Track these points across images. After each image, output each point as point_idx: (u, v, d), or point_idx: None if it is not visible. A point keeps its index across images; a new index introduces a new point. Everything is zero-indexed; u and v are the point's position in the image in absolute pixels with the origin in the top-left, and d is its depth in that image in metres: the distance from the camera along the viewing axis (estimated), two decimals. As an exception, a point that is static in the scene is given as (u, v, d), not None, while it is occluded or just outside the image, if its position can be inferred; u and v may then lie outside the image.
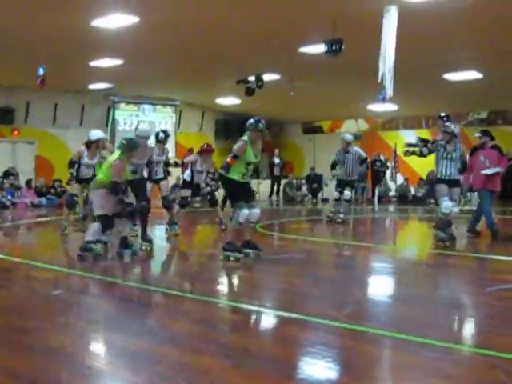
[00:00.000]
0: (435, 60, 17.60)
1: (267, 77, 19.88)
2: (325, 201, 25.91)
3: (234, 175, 9.16)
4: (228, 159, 9.17)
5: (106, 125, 25.45)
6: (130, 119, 26.66)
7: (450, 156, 10.92)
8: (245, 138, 9.21)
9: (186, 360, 4.70)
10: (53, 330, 5.57)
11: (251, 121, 9.32)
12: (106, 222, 9.55)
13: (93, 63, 18.50)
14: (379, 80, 12.12)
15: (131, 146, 9.80)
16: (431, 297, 7.31)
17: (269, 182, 28.14)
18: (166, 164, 13.13)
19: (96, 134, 12.34)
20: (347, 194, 15.31)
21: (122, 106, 26.49)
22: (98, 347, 5.16)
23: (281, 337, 5.57)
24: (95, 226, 9.58)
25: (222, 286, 8.27)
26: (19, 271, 9.07)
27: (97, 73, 20.09)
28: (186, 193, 13.36)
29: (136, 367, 4.57)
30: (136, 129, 13.61)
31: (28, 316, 5.94)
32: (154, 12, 13.49)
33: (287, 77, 20.21)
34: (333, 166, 15.83)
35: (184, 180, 13.59)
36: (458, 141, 11.24)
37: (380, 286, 8.29)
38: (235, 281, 8.68)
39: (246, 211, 9.06)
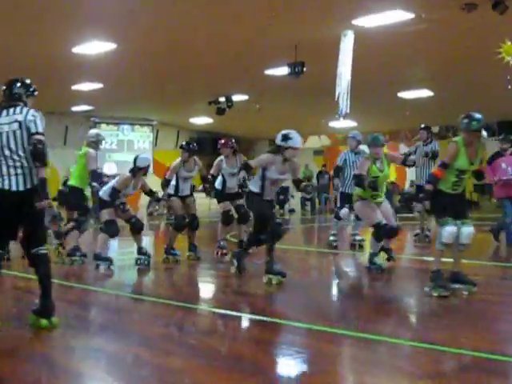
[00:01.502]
0: (390, 80, 17.71)
1: (236, 97, 19.98)
2: (291, 211, 25.92)
3: (442, 185, 6.83)
4: (436, 170, 6.92)
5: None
6: (111, 138, 26.71)
7: None
8: (457, 139, 6.82)
9: (160, 361, 4.65)
10: (33, 335, 5.48)
11: (462, 118, 6.82)
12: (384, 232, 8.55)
13: (74, 87, 18.49)
14: (336, 99, 12.20)
15: (374, 140, 8.66)
16: (381, 297, 7.36)
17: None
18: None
19: (146, 159, 9.54)
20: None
21: (103, 126, 26.55)
22: (75, 351, 5.08)
23: (247, 337, 5.56)
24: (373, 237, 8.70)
25: (193, 292, 8.20)
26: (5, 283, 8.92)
27: (78, 96, 20.05)
28: (227, 206, 10.46)
29: (112, 369, 4.52)
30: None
31: (8, 322, 5.85)
32: (129, 39, 13.49)
33: (254, 97, 20.27)
34: (337, 174, 11.32)
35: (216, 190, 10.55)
36: None
37: (339, 289, 8.33)
38: (205, 287, 8.63)
39: (451, 229, 6.70)
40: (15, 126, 5.43)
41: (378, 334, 5.32)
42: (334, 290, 8.23)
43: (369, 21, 12.05)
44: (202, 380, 4.26)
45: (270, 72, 16.50)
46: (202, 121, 26.39)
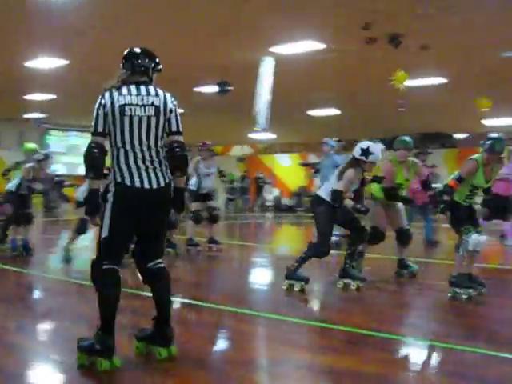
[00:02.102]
0: (304, 100, 17.90)
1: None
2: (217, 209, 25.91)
3: (456, 196, 6.26)
4: (451, 181, 6.20)
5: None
6: (60, 143, 26.37)
7: None
8: (476, 157, 6.21)
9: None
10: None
11: (486, 140, 6.18)
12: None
13: (27, 97, 17.95)
14: (253, 114, 12.26)
15: (403, 143, 7.33)
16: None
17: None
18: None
19: None
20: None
21: (54, 132, 26.01)
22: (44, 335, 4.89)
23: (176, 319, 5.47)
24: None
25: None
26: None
27: (31, 105, 19.49)
28: (198, 206, 9.86)
29: (61, 348, 4.38)
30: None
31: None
32: (81, 57, 13.17)
33: (189, 111, 20.20)
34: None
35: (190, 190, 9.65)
36: None
37: (256, 276, 8.32)
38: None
39: (475, 237, 6.11)
40: (151, 110, 3.97)
41: (285, 315, 5.37)
42: (250, 277, 8.22)
43: (285, 49, 12.11)
44: (126, 354, 4.14)
45: (201, 89, 16.50)
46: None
